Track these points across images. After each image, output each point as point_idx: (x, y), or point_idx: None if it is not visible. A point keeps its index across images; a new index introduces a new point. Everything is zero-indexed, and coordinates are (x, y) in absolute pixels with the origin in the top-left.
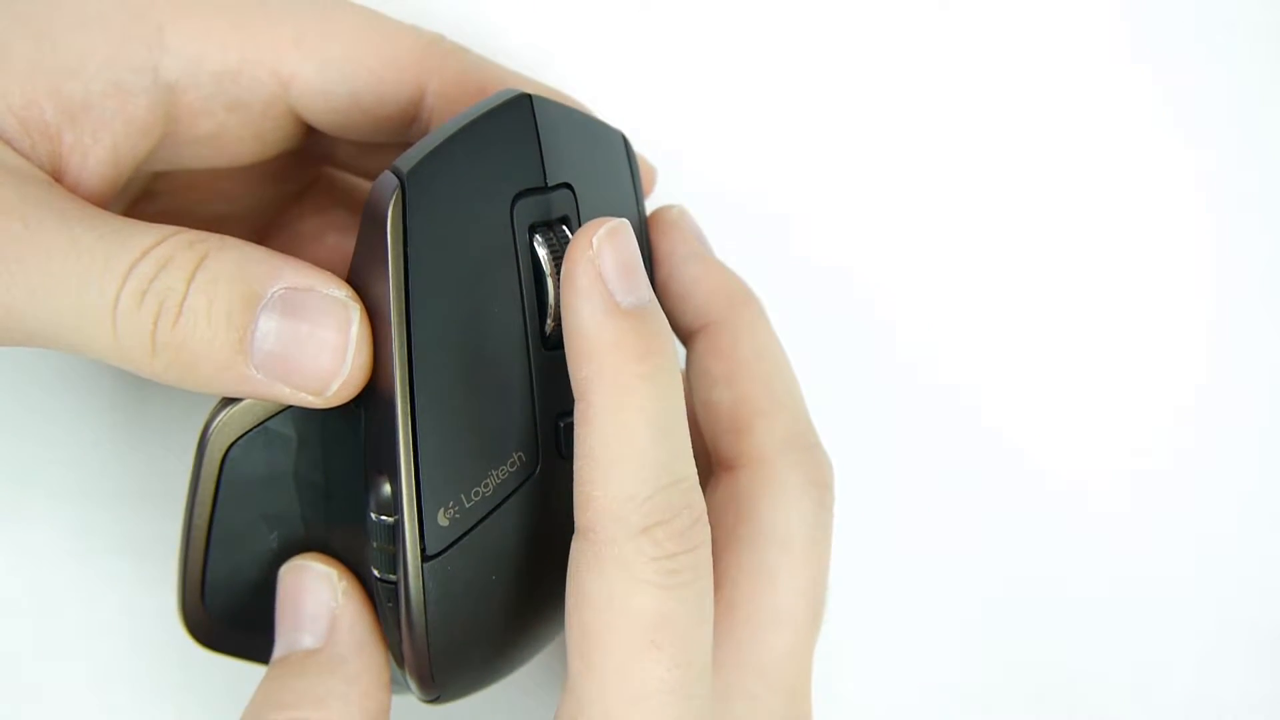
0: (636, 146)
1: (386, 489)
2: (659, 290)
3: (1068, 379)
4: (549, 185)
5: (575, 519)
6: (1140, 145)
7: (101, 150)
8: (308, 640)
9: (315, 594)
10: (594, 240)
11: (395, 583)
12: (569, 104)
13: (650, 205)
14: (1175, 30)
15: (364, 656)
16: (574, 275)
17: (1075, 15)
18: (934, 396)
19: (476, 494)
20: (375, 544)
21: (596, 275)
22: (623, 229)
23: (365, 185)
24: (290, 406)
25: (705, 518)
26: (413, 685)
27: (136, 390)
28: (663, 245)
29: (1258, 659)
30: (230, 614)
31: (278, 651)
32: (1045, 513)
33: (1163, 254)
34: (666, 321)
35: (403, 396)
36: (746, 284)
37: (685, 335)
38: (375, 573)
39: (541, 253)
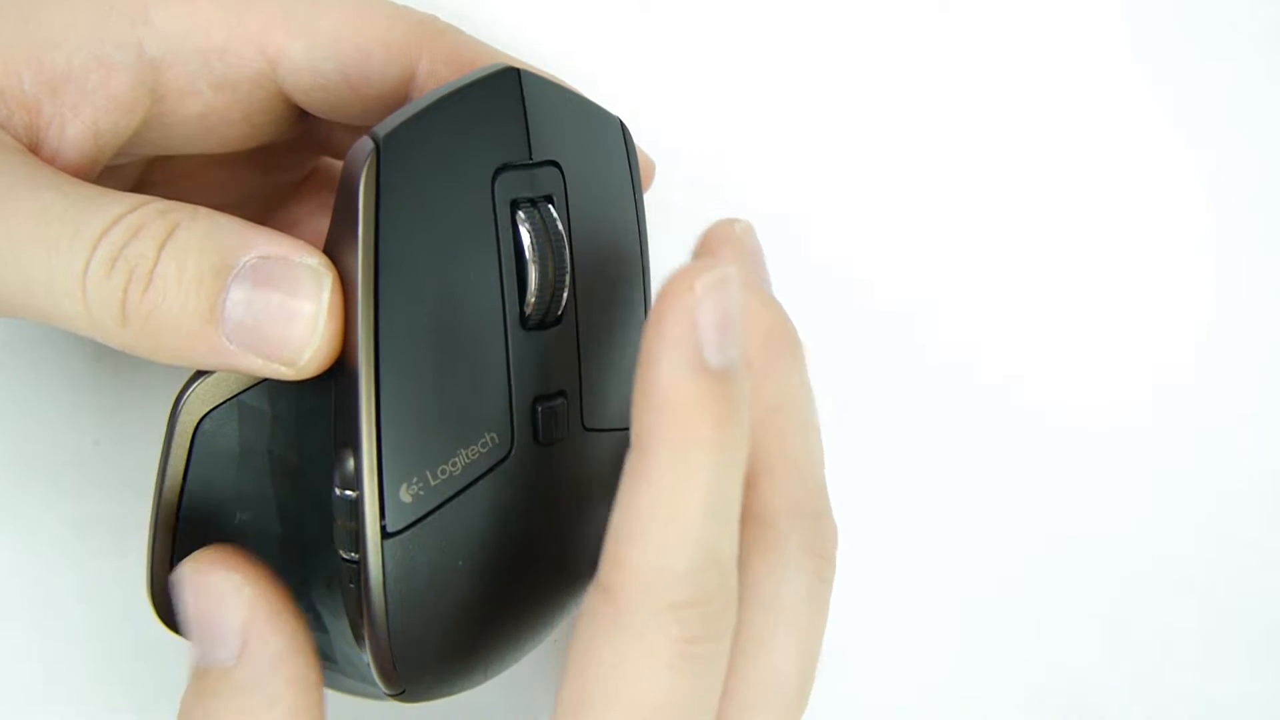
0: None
1: (350, 463)
2: None
3: (1069, 379)
4: (534, 161)
5: (599, 571)
6: (1140, 146)
7: (81, 124)
8: (221, 654)
9: (221, 604)
10: (698, 286)
11: (357, 561)
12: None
13: (649, 200)
14: (1175, 30)
15: (285, 671)
16: (664, 319)
17: (1075, 16)
18: (933, 394)
19: (443, 472)
20: (339, 521)
21: (690, 326)
22: (732, 281)
23: None
24: (262, 380)
25: (735, 603)
26: (376, 675)
27: (135, 391)
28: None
29: (1258, 659)
30: None
31: (195, 657)
32: (1045, 512)
33: (1164, 255)
34: (748, 388)
35: (366, 363)
36: (792, 326)
37: None
38: (340, 552)
39: (524, 231)
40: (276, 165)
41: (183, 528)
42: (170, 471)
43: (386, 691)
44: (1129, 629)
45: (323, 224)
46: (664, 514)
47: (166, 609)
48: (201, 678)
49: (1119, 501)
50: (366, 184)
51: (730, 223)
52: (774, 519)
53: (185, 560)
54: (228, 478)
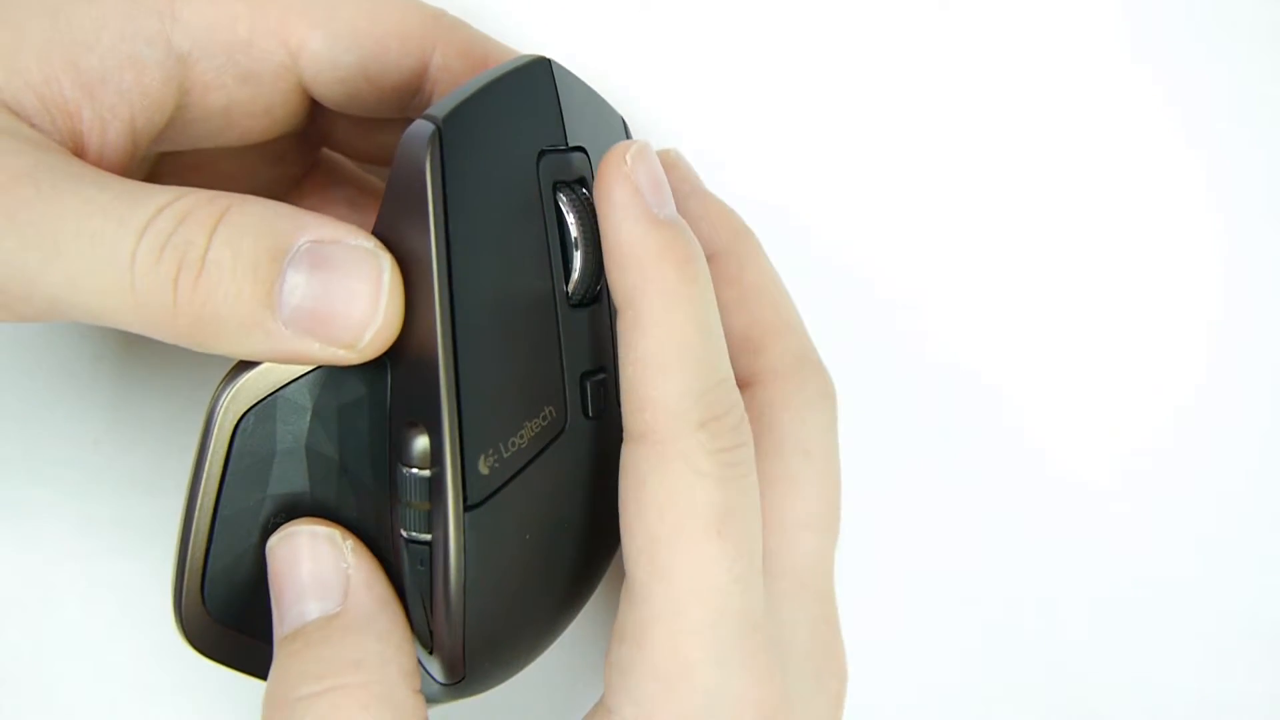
0: None
1: (421, 441)
2: None
3: (1067, 379)
4: (569, 146)
5: (627, 427)
6: (1141, 145)
7: (119, 124)
8: (318, 608)
9: (321, 558)
10: (627, 158)
11: (429, 542)
12: None
13: None
14: (1175, 30)
15: (390, 613)
16: (611, 191)
17: (1075, 15)
18: (935, 397)
19: (513, 445)
20: (406, 502)
21: (635, 190)
22: (648, 149)
23: (361, 170)
24: (305, 374)
25: (747, 415)
26: (438, 663)
27: (136, 389)
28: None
29: (1258, 660)
30: (232, 614)
31: (285, 628)
32: (1046, 513)
33: (1165, 254)
34: (691, 231)
35: (444, 342)
36: (742, 217)
37: None
38: (404, 534)
39: (568, 212)
40: (282, 157)
41: (217, 538)
42: (207, 475)
43: (445, 682)
44: (1129, 629)
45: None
46: (670, 349)
47: (197, 630)
48: (299, 635)
49: (1119, 501)
50: (432, 164)
51: (664, 151)
52: (787, 372)
53: (277, 531)
54: (264, 478)
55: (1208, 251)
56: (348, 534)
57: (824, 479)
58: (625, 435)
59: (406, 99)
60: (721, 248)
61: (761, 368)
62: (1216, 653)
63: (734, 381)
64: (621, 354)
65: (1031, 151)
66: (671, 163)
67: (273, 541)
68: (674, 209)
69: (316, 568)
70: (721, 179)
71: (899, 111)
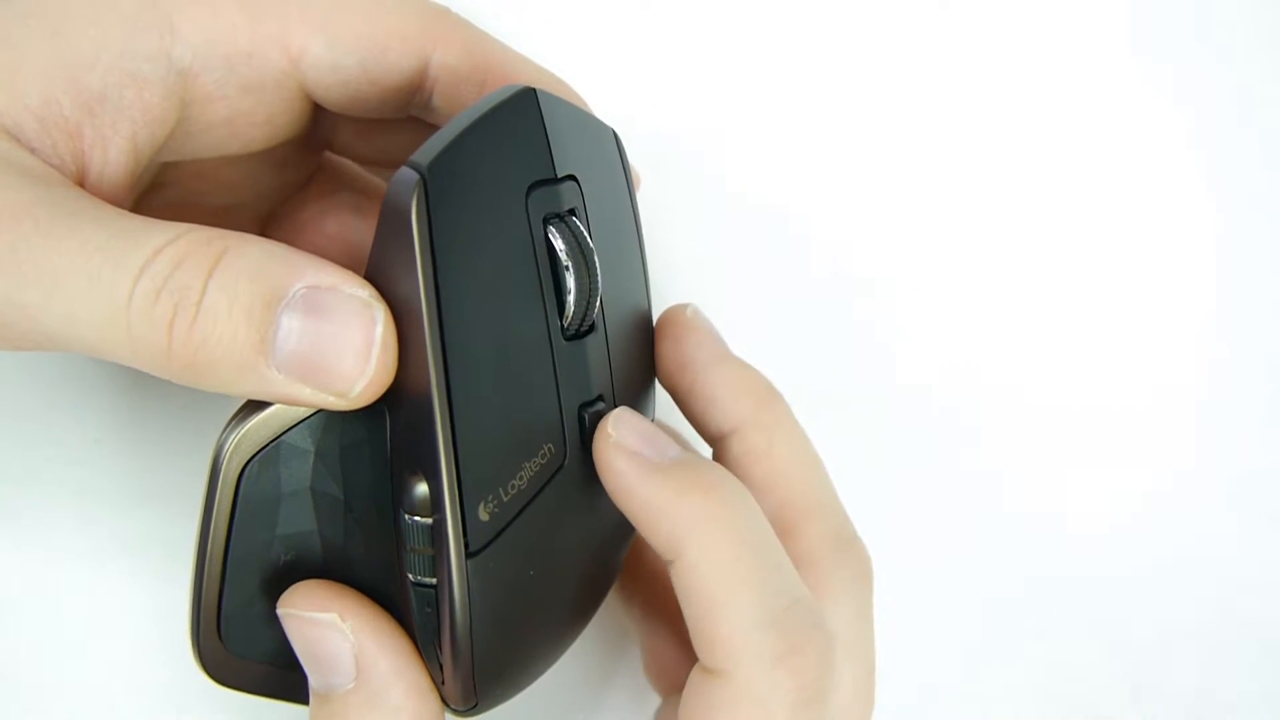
0: (636, 143)
1: (422, 489)
2: (686, 396)
3: (1069, 380)
4: (558, 177)
5: (701, 659)
6: (1140, 144)
7: (121, 141)
8: (336, 682)
9: (324, 639)
10: (610, 430)
11: (434, 586)
12: (569, 95)
13: (647, 195)
14: (1176, 30)
15: (403, 682)
16: (610, 462)
17: (1075, 16)
18: (934, 393)
19: (513, 487)
20: (411, 547)
21: (629, 454)
22: (624, 414)
23: (365, 173)
24: (306, 419)
25: (835, 640)
26: (450, 695)
27: (136, 390)
28: (684, 350)
29: (1257, 659)
30: (248, 646)
31: (315, 685)
32: (1045, 513)
33: (1164, 254)
34: (707, 458)
35: (439, 392)
36: (769, 380)
37: (715, 438)
38: (410, 577)
39: (559, 245)
40: (284, 162)
41: (229, 579)
42: (216, 522)
43: (458, 708)
44: (1129, 629)
45: (327, 224)
46: (726, 581)
47: (217, 664)
48: (325, 702)
49: (1119, 501)
50: (418, 213)
51: (680, 309)
52: (821, 558)
53: (281, 601)
54: (273, 522)
55: (1208, 251)
56: (348, 610)
57: (859, 667)
58: (698, 664)
59: (408, 98)
60: (746, 419)
61: (795, 552)
62: (1216, 653)
63: (810, 599)
64: (681, 600)
65: (1031, 151)
66: (690, 324)
67: (280, 612)
68: (675, 450)
69: (325, 647)
70: (721, 178)
71: (900, 112)
